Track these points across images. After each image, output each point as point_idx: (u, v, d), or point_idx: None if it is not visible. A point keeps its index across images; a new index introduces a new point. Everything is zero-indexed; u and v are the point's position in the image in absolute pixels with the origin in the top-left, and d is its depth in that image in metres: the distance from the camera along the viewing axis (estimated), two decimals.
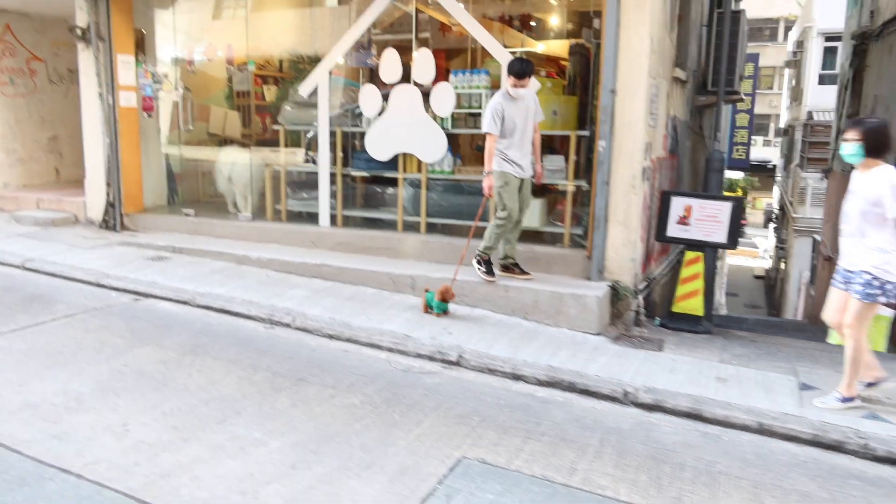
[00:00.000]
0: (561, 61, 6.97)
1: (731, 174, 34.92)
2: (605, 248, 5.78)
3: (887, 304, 4.68)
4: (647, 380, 4.70)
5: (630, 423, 4.21)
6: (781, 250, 27.79)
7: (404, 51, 6.84)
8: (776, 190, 36.06)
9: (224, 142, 9.48)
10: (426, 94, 6.63)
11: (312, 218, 7.52)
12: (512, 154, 5.66)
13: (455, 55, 6.73)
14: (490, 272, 5.92)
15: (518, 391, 4.63)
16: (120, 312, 5.84)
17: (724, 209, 5.88)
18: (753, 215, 45.85)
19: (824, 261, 14.91)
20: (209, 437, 3.71)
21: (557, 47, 7.03)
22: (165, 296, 6.19)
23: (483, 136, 5.69)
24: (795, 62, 29.68)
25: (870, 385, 4.58)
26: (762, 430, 4.15)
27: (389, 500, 3.20)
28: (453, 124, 6.73)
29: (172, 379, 4.47)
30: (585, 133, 6.12)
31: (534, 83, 5.87)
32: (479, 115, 6.61)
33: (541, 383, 4.70)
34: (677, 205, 6.05)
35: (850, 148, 4.22)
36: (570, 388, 4.63)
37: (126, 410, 3.98)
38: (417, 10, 6.92)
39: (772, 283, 30.24)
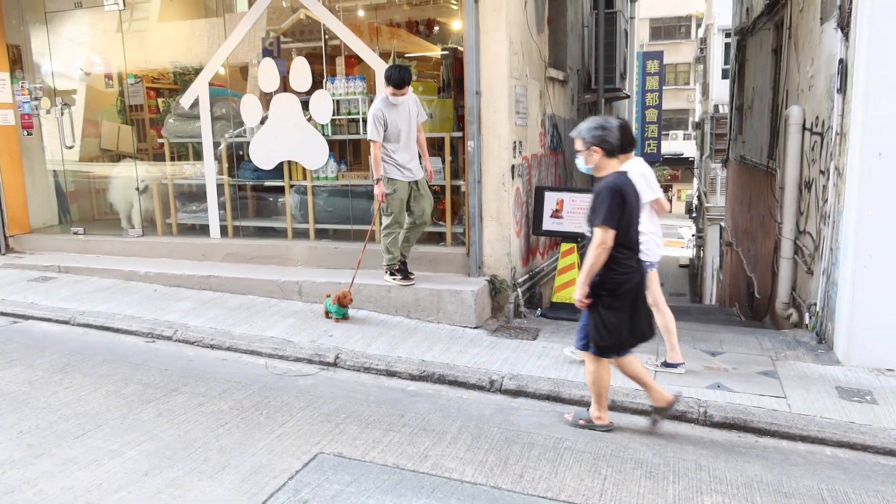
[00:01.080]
0: (434, 65, 7.18)
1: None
2: (481, 244, 5.99)
3: None
4: (514, 367, 4.92)
5: (492, 410, 4.41)
6: (700, 239, 28.93)
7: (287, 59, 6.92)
8: (695, 181, 37.51)
9: (118, 157, 9.33)
10: (305, 102, 6.72)
11: (204, 230, 7.50)
12: (399, 158, 5.72)
13: (332, 62, 6.84)
14: (406, 276, 5.94)
15: (390, 387, 4.77)
16: None
17: None
18: (678, 206, 47.60)
19: (726, 246, 15.71)
20: (63, 452, 3.70)
21: (430, 51, 7.23)
22: (45, 316, 6.08)
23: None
24: (703, 58, 31.01)
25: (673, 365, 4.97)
26: (614, 407, 4.39)
27: (237, 498, 3.28)
28: (334, 130, 6.85)
29: (35, 398, 4.42)
30: (459, 134, 6.33)
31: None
32: (358, 120, 6.75)
33: (413, 378, 4.86)
34: (550, 199, 6.31)
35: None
36: (440, 380, 4.80)
37: None
38: (300, 20, 7.03)
39: (695, 272, 31.42)
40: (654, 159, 24.02)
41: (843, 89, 5.24)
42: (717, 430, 4.18)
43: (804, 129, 6.66)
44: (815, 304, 5.77)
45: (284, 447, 3.79)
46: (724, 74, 25.89)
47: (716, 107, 25.24)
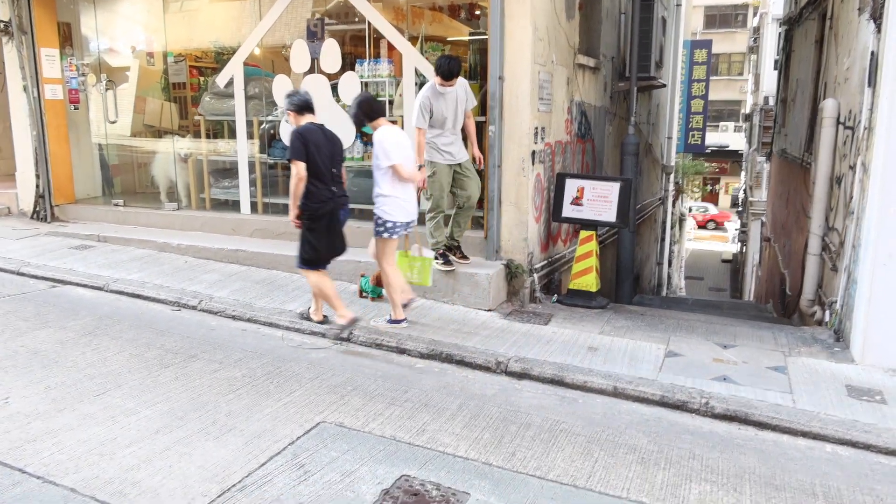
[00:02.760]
0: (464, 49, 7.21)
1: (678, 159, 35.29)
2: (499, 228, 6.05)
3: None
4: (522, 350, 5.00)
5: (495, 390, 4.50)
6: (744, 234, 28.31)
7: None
8: (742, 175, 36.65)
9: (161, 133, 9.65)
10: (335, 84, 6.85)
11: (235, 206, 7.75)
12: (440, 142, 5.67)
13: (361, 44, 6.95)
14: (447, 262, 5.95)
15: (399, 363, 4.90)
16: (33, 298, 6.03)
17: (613, 189, 6.17)
18: (725, 200, 46.60)
19: (765, 242, 15.38)
20: (84, 408, 3.95)
21: (460, 35, 7.26)
22: (81, 282, 6.39)
23: None
24: (756, 48, 30.15)
25: (397, 322, 5.43)
26: (616, 393, 4.45)
27: (238, 458, 3.46)
28: None
29: (64, 357, 4.69)
30: (482, 119, 6.37)
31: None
32: (385, 103, 6.85)
33: (422, 355, 4.98)
34: (571, 186, 6.33)
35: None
36: (448, 359, 4.91)
37: (10, 385, 4.20)
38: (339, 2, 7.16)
39: (737, 267, 30.81)
40: (699, 150, 23.60)
41: (872, 83, 5.12)
42: (718, 422, 4.18)
43: (838, 122, 6.50)
44: (836, 302, 5.68)
45: (289, 414, 3.96)
46: (776, 65, 25.20)
47: (765, 98, 24.56)
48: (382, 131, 5.19)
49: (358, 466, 3.41)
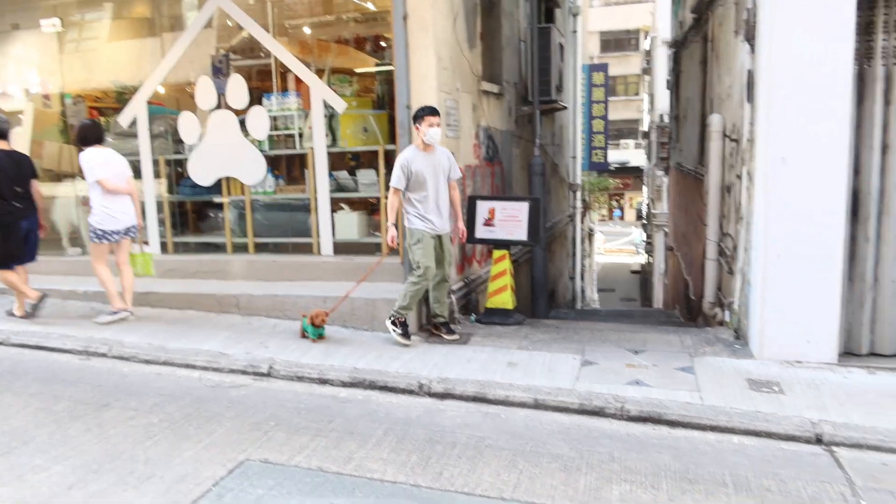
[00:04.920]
0: (371, 81, 7.34)
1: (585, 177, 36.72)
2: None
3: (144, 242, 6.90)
4: (443, 371, 5.07)
5: (419, 412, 4.54)
6: (649, 245, 29.59)
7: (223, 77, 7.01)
8: (644, 189, 38.41)
9: (60, 177, 9.25)
10: (243, 120, 6.81)
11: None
12: (424, 209, 5.61)
13: (268, 79, 6.96)
14: (406, 335, 5.71)
15: (321, 394, 4.87)
16: None
17: (522, 209, 6.39)
18: (630, 214, 48.61)
19: (668, 251, 16.18)
20: None
21: (367, 67, 7.39)
22: None
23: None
24: (649, 69, 31.87)
25: (114, 313, 6.27)
26: (537, 405, 4.59)
27: None
28: (271, 146, 6.96)
29: None
30: (393, 147, 6.49)
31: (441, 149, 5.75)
32: (294, 136, 6.87)
33: (344, 384, 4.97)
34: (482, 208, 6.51)
35: None
36: (371, 385, 4.92)
37: None
38: (243, 38, 7.14)
39: (646, 277, 32.12)
40: (603, 168, 24.65)
41: (750, 98, 5.56)
42: (634, 424, 4.38)
43: (724, 135, 7.00)
44: (734, 302, 6.07)
45: (211, 456, 3.87)
46: (668, 85, 26.71)
47: (660, 116, 25.95)
48: (90, 152, 6.10)
49: (286, 501, 3.37)
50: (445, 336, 5.87)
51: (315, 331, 5.73)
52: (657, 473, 3.70)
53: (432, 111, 5.47)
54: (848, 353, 5.30)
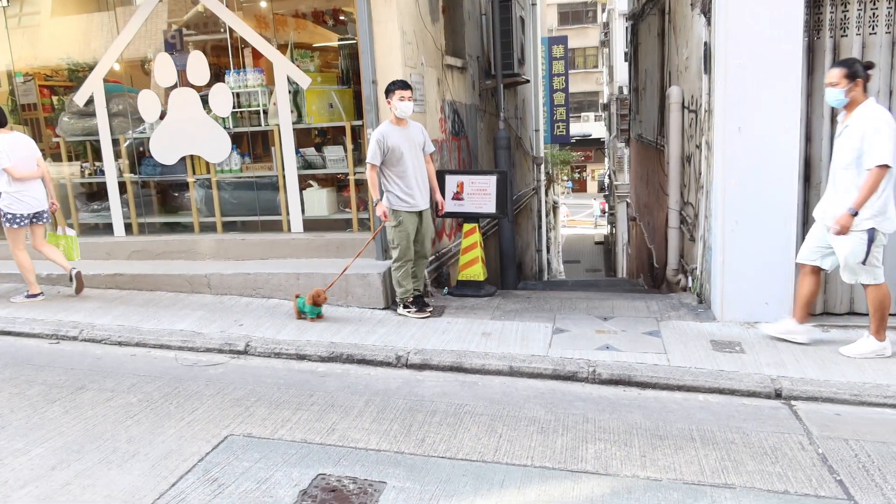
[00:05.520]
0: (335, 55, 7.29)
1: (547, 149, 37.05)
2: (385, 228, 6.18)
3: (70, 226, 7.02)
4: (420, 343, 5.17)
5: (398, 383, 4.64)
6: (612, 216, 30.06)
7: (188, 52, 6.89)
8: (606, 161, 38.87)
9: None
10: (205, 96, 6.72)
11: (108, 229, 7.40)
12: (406, 185, 5.63)
13: (226, 55, 6.86)
14: (421, 309, 5.83)
15: (300, 370, 4.93)
16: None
17: (490, 182, 6.48)
18: (593, 186, 49.17)
19: (631, 221, 16.51)
20: None
21: (330, 41, 7.33)
22: None
23: None
24: (607, 42, 32.09)
25: (32, 296, 6.42)
26: (513, 373, 4.73)
27: (147, 482, 3.39)
28: (235, 123, 6.89)
29: None
30: (360, 122, 6.49)
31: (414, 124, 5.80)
32: (259, 112, 6.81)
33: (322, 359, 5.04)
34: (451, 182, 6.58)
35: None
36: (349, 359, 5.00)
37: None
38: (199, 12, 7.01)
39: (609, 248, 32.68)
40: (565, 140, 24.84)
41: (707, 70, 5.71)
42: (605, 387, 4.55)
43: (683, 107, 7.17)
44: (696, 268, 6.28)
45: (194, 432, 3.91)
46: (626, 58, 26.98)
47: (620, 88, 26.22)
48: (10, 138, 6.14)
49: (272, 472, 3.44)
50: (416, 314, 5.85)
51: (314, 310, 5.68)
52: (629, 431, 3.88)
53: (403, 85, 5.48)
54: None
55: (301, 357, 5.08)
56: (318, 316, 5.74)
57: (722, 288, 5.48)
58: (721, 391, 4.41)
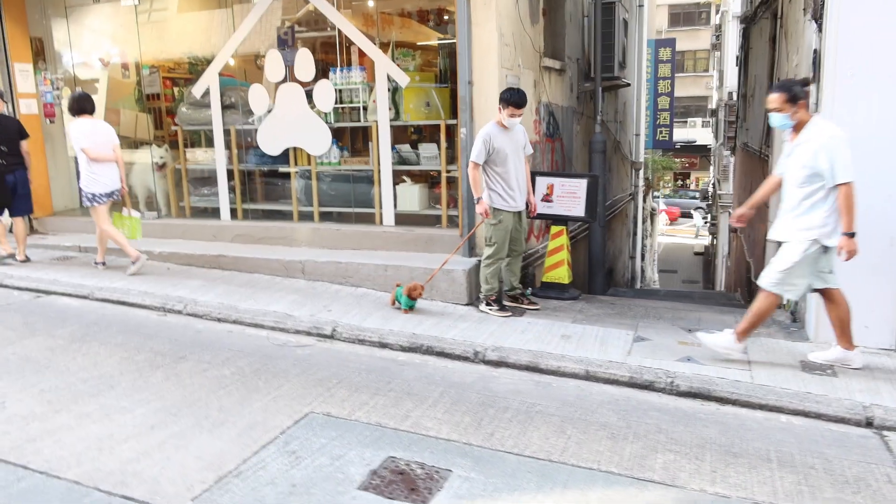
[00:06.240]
0: (434, 55, 7.47)
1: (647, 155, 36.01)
2: (473, 226, 6.30)
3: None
4: (498, 341, 5.24)
5: (474, 378, 4.74)
6: (714, 227, 28.92)
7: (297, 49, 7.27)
8: (711, 169, 37.41)
9: (136, 144, 9.76)
10: (309, 92, 7.07)
11: (215, 213, 7.91)
12: (507, 185, 5.76)
13: (333, 52, 7.18)
14: (502, 308, 5.98)
15: (381, 357, 5.12)
16: (19, 309, 6.15)
17: (580, 186, 6.46)
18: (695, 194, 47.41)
19: (732, 233, 15.86)
20: (79, 408, 4.11)
21: (430, 41, 7.51)
22: (65, 292, 6.51)
23: None
24: (719, 45, 30.87)
25: (134, 262, 6.96)
26: (588, 377, 4.72)
27: (233, 448, 3.66)
28: (336, 118, 7.20)
29: (56, 363, 4.84)
30: (454, 122, 6.63)
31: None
32: (359, 109, 7.08)
33: (403, 349, 5.21)
34: (541, 183, 6.60)
35: None
36: (428, 351, 5.14)
37: (5, 390, 4.35)
38: (309, 10, 7.38)
39: (709, 259, 31.45)
40: (667, 146, 24.11)
41: (816, 79, 5.45)
42: (683, 399, 4.47)
43: None
44: None
45: (279, 407, 4.17)
46: (737, 62, 25.85)
47: (729, 94, 25.17)
48: (77, 122, 6.76)
49: (346, 451, 3.63)
50: (527, 306, 6.05)
51: (409, 302, 5.83)
52: (702, 446, 3.80)
53: (518, 103, 5.52)
54: None
55: (383, 345, 5.27)
56: (411, 308, 5.88)
57: (818, 308, 5.23)
58: (806, 414, 4.23)
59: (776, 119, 4.67)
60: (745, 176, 12.78)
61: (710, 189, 33.11)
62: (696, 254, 35.20)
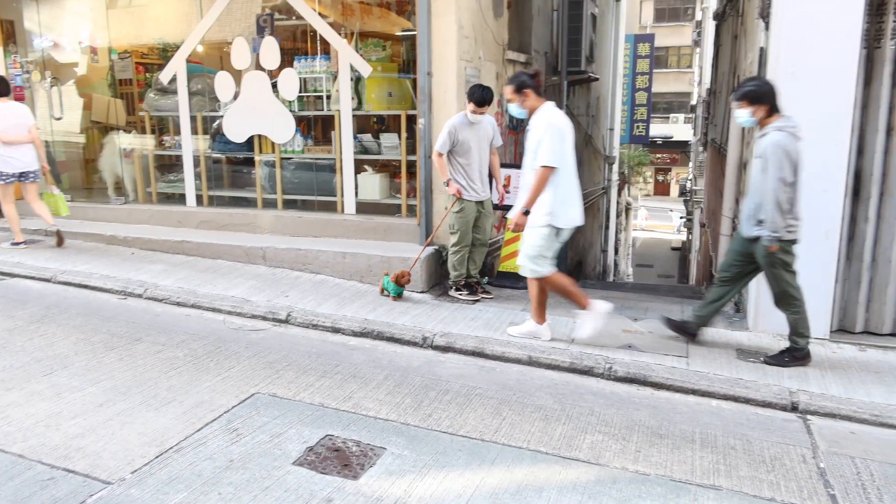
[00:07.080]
0: (397, 46, 7.56)
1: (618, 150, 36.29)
2: (430, 215, 6.43)
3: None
4: (448, 327, 5.40)
5: (420, 362, 4.89)
6: (689, 222, 29.26)
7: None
8: (689, 165, 37.75)
9: (108, 129, 9.78)
10: (274, 80, 7.15)
11: (181, 199, 7.99)
12: (469, 175, 5.93)
13: (299, 41, 7.27)
14: (472, 292, 6.18)
15: (333, 341, 5.26)
16: None
17: None
18: (675, 190, 47.83)
19: (701, 227, 16.11)
20: (31, 387, 4.22)
21: (391, 32, 7.60)
22: (28, 274, 6.58)
23: None
24: (699, 41, 31.11)
25: (17, 244, 7.49)
26: (531, 362, 4.89)
27: (176, 425, 3.79)
28: (301, 107, 7.29)
29: (12, 343, 4.93)
30: (414, 112, 6.74)
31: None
32: (323, 97, 7.18)
33: (355, 334, 5.35)
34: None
35: None
36: (379, 336, 5.29)
37: None
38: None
39: (686, 254, 31.82)
40: (643, 141, 24.37)
41: (762, 75, 5.63)
42: (620, 384, 4.64)
43: None
44: None
45: (226, 388, 4.29)
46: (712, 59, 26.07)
47: (707, 90, 25.43)
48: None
49: (286, 429, 3.77)
50: (467, 297, 6.17)
51: (397, 289, 5.97)
52: (631, 427, 3.98)
53: (479, 101, 5.66)
54: (842, 330, 5.44)
55: (336, 330, 5.41)
56: (399, 296, 6.00)
57: (756, 298, 5.43)
58: (735, 399, 4.42)
59: (512, 108, 5.10)
60: (712, 171, 13.01)
61: (688, 184, 33.46)
62: (674, 249, 35.58)
